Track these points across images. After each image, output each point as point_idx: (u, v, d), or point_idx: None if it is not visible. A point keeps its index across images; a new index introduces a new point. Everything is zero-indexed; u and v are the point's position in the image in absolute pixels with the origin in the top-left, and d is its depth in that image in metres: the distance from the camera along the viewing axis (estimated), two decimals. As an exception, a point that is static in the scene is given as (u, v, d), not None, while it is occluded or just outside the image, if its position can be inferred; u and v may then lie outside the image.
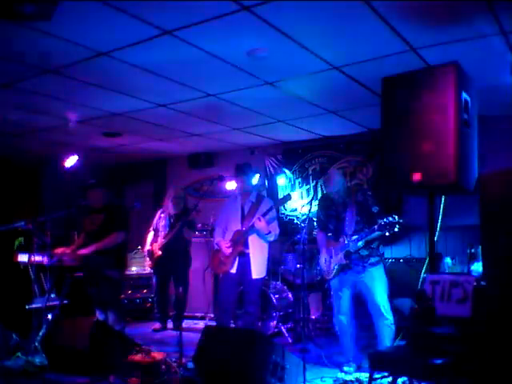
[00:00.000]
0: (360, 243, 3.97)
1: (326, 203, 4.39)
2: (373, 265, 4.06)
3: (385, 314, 4.00)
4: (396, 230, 3.74)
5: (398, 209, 5.58)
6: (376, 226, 3.84)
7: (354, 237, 3.99)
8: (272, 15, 3.21)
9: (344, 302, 4.16)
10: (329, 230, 4.27)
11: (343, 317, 4.17)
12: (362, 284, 4.09)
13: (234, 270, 4.61)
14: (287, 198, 4.85)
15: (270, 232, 4.57)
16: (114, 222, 4.84)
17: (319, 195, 6.82)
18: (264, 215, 4.51)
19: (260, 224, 4.48)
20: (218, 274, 4.85)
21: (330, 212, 4.28)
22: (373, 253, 4.09)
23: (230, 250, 4.63)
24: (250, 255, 4.59)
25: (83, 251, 4.70)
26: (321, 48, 3.77)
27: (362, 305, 4.24)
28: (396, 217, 3.75)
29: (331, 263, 4.12)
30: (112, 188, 5.36)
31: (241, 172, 4.81)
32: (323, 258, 4.23)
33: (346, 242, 4.02)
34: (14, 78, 4.31)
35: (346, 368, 4.05)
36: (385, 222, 3.77)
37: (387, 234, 3.80)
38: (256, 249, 4.62)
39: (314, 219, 6.74)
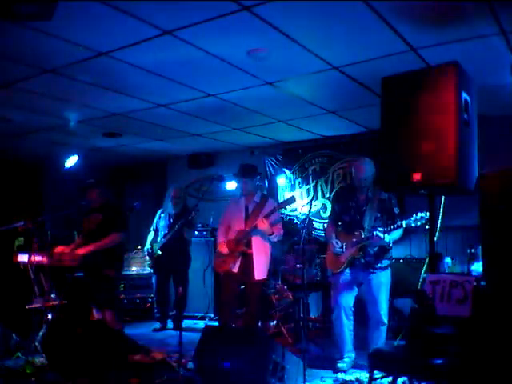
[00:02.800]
0: (387, 237, 3.87)
1: (347, 194, 4.30)
2: (383, 269, 4.06)
3: (384, 319, 4.02)
4: (427, 227, 3.57)
5: (400, 209, 5.57)
6: (404, 222, 3.75)
7: (380, 228, 3.87)
8: (272, 15, 3.21)
9: (347, 298, 4.14)
10: (343, 222, 4.21)
11: (345, 314, 4.14)
12: (367, 286, 4.07)
13: (235, 270, 4.59)
14: (291, 200, 4.73)
15: (273, 233, 4.56)
16: (113, 222, 4.84)
17: (319, 195, 6.83)
18: (267, 217, 4.50)
19: (263, 225, 4.46)
20: (220, 272, 4.84)
21: (350, 203, 4.19)
22: (387, 255, 4.08)
23: (226, 250, 4.61)
24: (254, 256, 4.57)
25: (81, 251, 4.70)
26: (321, 48, 3.77)
27: (358, 303, 4.24)
28: (425, 213, 3.65)
29: (342, 256, 4.08)
30: (110, 187, 5.36)
31: (245, 175, 4.76)
32: (333, 250, 4.14)
33: (363, 235, 3.95)
34: (13, 77, 4.31)
35: (340, 365, 4.05)
36: (416, 219, 3.69)
37: (415, 226, 3.74)
38: (259, 249, 4.60)
39: (314, 219, 6.78)
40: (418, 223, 3.70)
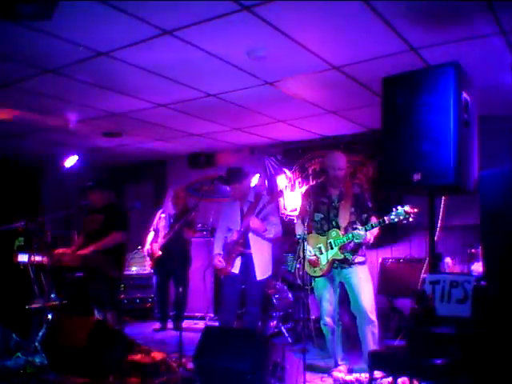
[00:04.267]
0: (368, 235, 3.79)
1: (318, 190, 4.18)
2: (360, 263, 3.97)
3: (370, 316, 3.88)
4: (410, 219, 3.56)
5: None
6: (386, 218, 3.64)
7: (359, 227, 3.80)
8: (272, 15, 3.21)
9: (331, 302, 4.05)
10: (313, 221, 4.07)
11: (330, 319, 4.06)
12: (348, 283, 3.96)
13: (236, 270, 4.57)
14: (279, 194, 4.88)
15: (266, 230, 4.51)
16: (114, 222, 4.84)
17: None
18: (258, 214, 4.47)
19: (254, 223, 4.42)
20: (220, 275, 4.82)
21: (321, 199, 4.08)
22: (360, 251, 4.00)
23: (222, 264, 4.57)
24: (253, 255, 4.54)
25: (82, 251, 4.70)
26: (321, 48, 3.77)
27: (344, 303, 4.17)
28: (408, 206, 3.58)
29: (322, 259, 3.97)
30: (112, 188, 5.36)
31: (233, 179, 4.67)
32: (309, 252, 4.01)
33: (340, 235, 3.86)
34: (13, 77, 4.31)
35: (335, 373, 3.95)
36: (397, 213, 3.59)
37: (398, 221, 3.62)
38: (258, 248, 4.56)
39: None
40: (401, 217, 3.58)
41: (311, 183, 6.90)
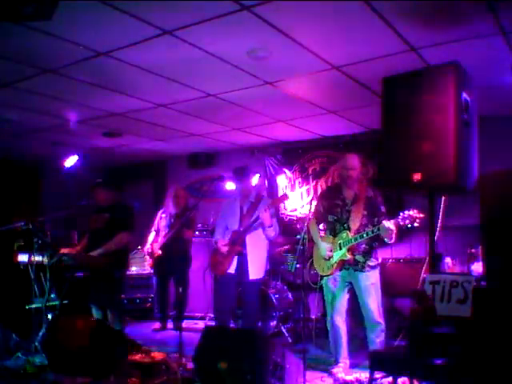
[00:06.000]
0: (393, 227, 3.78)
1: (333, 193, 4.24)
2: (372, 268, 4.00)
3: (377, 318, 3.93)
4: (416, 224, 3.58)
5: (400, 208, 5.57)
6: (392, 221, 3.68)
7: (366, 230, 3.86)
8: (272, 15, 3.21)
9: (340, 302, 4.07)
10: (327, 222, 4.15)
11: (339, 317, 4.07)
12: (358, 285, 4.00)
13: (232, 271, 4.56)
14: (284, 197, 4.92)
15: (272, 225, 4.51)
16: (120, 222, 4.83)
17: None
18: (268, 207, 4.46)
19: (265, 214, 4.40)
20: (217, 274, 4.81)
21: (336, 201, 4.13)
22: (373, 254, 4.04)
23: (226, 248, 4.57)
24: (248, 255, 4.54)
25: (90, 254, 4.67)
26: (321, 48, 3.77)
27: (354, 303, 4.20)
28: (415, 210, 3.61)
29: (330, 258, 4.01)
30: (118, 188, 5.35)
31: (239, 176, 4.76)
32: (321, 252, 4.09)
33: (349, 236, 3.91)
34: (13, 77, 4.31)
35: (335, 373, 3.95)
36: (404, 216, 3.62)
37: (401, 224, 3.67)
38: (253, 249, 4.56)
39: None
40: (407, 221, 3.61)
41: (311, 183, 6.94)
